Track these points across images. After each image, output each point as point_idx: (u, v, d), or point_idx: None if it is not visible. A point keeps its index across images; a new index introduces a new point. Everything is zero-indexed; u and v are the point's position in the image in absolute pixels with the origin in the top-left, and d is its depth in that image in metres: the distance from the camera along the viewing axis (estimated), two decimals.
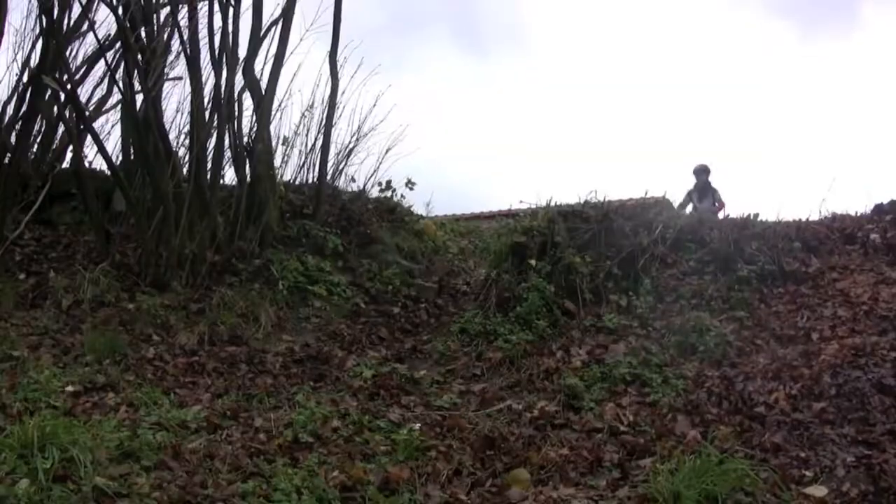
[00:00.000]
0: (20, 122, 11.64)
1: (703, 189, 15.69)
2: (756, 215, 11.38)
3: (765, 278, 9.84)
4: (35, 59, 12.08)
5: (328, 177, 13.28)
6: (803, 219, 11.49)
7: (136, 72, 10.89)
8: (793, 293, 9.52)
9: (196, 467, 5.96)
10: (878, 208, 11.24)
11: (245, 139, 11.98)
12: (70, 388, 7.38)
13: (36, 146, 12.52)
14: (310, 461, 6.27)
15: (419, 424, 7.17)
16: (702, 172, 15.82)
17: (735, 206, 13.80)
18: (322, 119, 13.27)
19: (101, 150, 11.37)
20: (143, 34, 11.04)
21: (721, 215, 13.34)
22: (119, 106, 12.23)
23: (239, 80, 11.80)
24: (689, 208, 15.43)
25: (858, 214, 11.47)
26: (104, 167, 11.71)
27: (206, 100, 11.43)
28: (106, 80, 12.73)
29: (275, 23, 12.24)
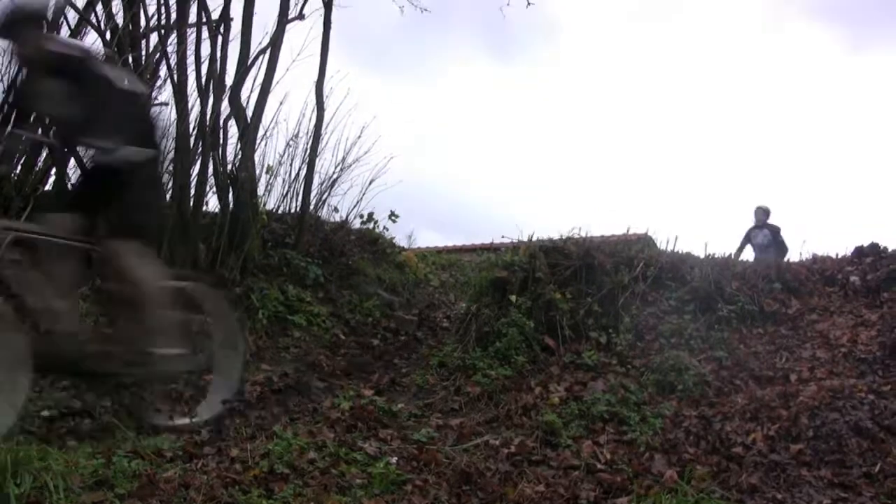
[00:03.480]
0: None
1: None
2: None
3: (745, 318, 9.88)
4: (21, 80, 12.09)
5: (311, 207, 13.30)
6: (784, 259, 11.56)
7: None
8: (772, 334, 9.56)
9: (171, 496, 5.90)
10: (859, 251, 11.32)
11: (229, 167, 11.99)
12: (46, 413, 7.33)
13: (19, 167, 12.48)
14: (285, 492, 6.22)
15: (396, 458, 7.12)
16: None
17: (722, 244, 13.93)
18: (307, 149, 13.32)
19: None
20: (130, 59, 11.06)
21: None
22: None
23: (225, 108, 11.85)
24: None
25: (839, 256, 11.56)
26: None
27: (191, 126, 11.45)
28: None
29: (262, 51, 12.29)
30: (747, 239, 15.74)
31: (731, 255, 11.48)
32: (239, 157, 12.02)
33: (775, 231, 15.56)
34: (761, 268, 11.00)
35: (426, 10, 14.67)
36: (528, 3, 15.23)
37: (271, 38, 12.36)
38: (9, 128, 7.31)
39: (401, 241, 15.27)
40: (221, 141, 11.86)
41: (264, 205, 13.16)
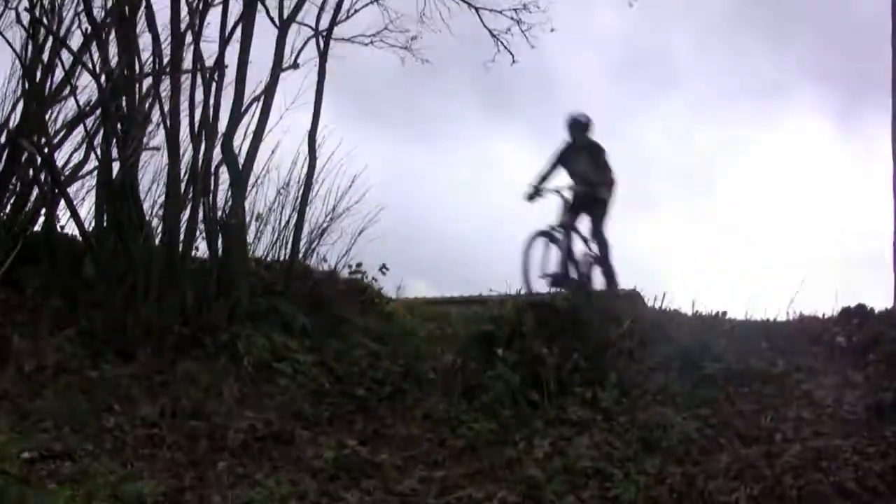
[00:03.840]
0: None
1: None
2: (724, 313, 11.46)
3: (731, 377, 9.85)
4: (14, 121, 12.13)
5: (300, 255, 13.30)
6: (771, 318, 11.57)
7: (114, 139, 10.96)
8: (758, 393, 9.53)
9: None
10: (845, 312, 11.33)
11: (219, 213, 12.00)
12: (26, 455, 7.28)
13: (8, 207, 12.49)
14: None
15: None
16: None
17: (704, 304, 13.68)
18: (297, 197, 13.34)
19: (74, 215, 11.39)
20: (124, 103, 11.11)
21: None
22: (95, 172, 12.22)
23: (217, 154, 11.85)
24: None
25: (825, 317, 11.56)
26: (76, 232, 11.70)
27: (182, 171, 11.47)
28: (84, 146, 12.74)
29: (256, 99, 12.35)
30: (556, 160, 12.38)
31: (717, 313, 11.46)
32: (229, 203, 12.04)
33: (600, 150, 12.28)
34: (749, 327, 11.01)
35: (427, 60, 14.71)
36: (513, 62, 15.32)
37: (265, 87, 12.43)
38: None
39: (389, 292, 15.23)
40: (212, 187, 11.87)
41: (253, 252, 13.17)
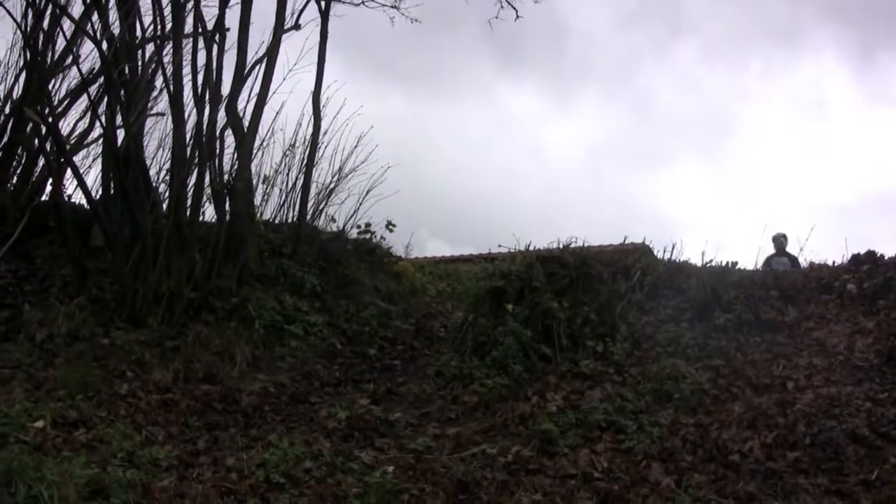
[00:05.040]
0: (0, 154, 11.63)
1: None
2: (734, 263, 11.43)
3: (741, 327, 9.85)
4: (18, 92, 12.09)
5: (308, 217, 13.31)
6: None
7: (118, 107, 10.92)
8: (769, 342, 9.53)
9: None
10: (855, 258, 11.30)
11: (226, 177, 11.99)
12: (40, 423, 7.31)
13: (15, 178, 12.49)
14: (281, 502, 6.22)
15: (392, 467, 7.12)
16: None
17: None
18: (303, 159, 13.33)
19: (81, 183, 11.39)
20: (126, 69, 11.06)
21: None
22: (100, 140, 12.21)
23: (221, 118, 11.85)
24: None
25: (835, 264, 11.54)
26: (83, 201, 11.71)
27: (187, 136, 11.45)
28: (88, 115, 12.71)
29: (259, 61, 12.30)
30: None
31: (728, 263, 11.42)
32: (235, 167, 12.03)
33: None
34: (758, 276, 10.99)
35: (416, 20, 14.66)
36: (517, 17, 15.29)
37: (267, 49, 12.38)
38: None
39: (398, 251, 15.25)
40: (218, 151, 11.87)
41: (261, 215, 13.20)
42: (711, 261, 11.42)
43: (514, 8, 15.16)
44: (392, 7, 14.49)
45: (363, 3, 14.23)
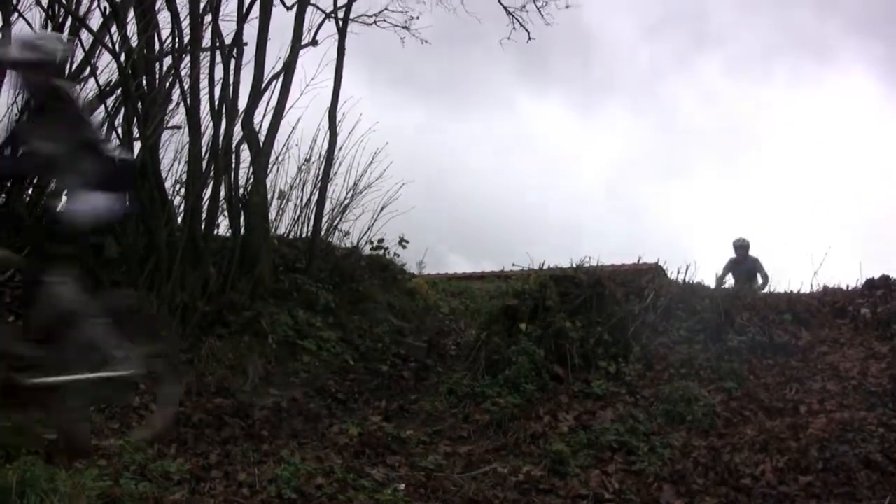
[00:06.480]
0: None
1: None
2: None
3: (755, 349, 9.84)
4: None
5: (322, 232, 13.33)
6: (795, 291, 11.53)
7: (135, 119, 10.96)
8: (782, 365, 9.52)
9: None
10: (870, 283, 11.29)
11: (241, 191, 12.03)
12: (53, 435, 7.31)
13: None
14: None
15: (403, 484, 7.11)
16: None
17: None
18: (318, 174, 13.36)
19: None
20: (144, 82, 11.12)
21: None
22: None
23: (237, 132, 11.88)
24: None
25: (850, 288, 11.51)
26: None
27: (203, 150, 11.48)
28: (105, 126, 12.75)
29: (276, 76, 12.36)
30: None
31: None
32: (251, 181, 12.06)
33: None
34: (772, 299, 10.97)
35: (426, 41, 14.89)
36: (529, 39, 15.47)
37: (285, 64, 12.44)
38: None
39: (412, 268, 15.27)
40: (233, 165, 11.90)
41: (275, 229, 13.20)
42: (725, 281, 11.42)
43: (527, 30, 15.31)
44: (403, 27, 14.68)
45: (375, 23, 14.40)
